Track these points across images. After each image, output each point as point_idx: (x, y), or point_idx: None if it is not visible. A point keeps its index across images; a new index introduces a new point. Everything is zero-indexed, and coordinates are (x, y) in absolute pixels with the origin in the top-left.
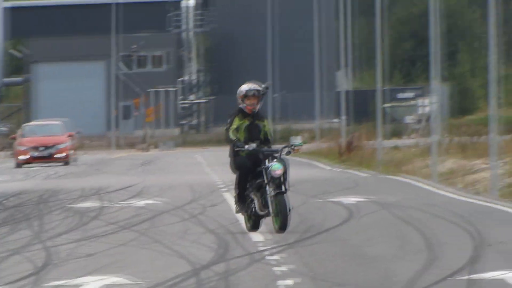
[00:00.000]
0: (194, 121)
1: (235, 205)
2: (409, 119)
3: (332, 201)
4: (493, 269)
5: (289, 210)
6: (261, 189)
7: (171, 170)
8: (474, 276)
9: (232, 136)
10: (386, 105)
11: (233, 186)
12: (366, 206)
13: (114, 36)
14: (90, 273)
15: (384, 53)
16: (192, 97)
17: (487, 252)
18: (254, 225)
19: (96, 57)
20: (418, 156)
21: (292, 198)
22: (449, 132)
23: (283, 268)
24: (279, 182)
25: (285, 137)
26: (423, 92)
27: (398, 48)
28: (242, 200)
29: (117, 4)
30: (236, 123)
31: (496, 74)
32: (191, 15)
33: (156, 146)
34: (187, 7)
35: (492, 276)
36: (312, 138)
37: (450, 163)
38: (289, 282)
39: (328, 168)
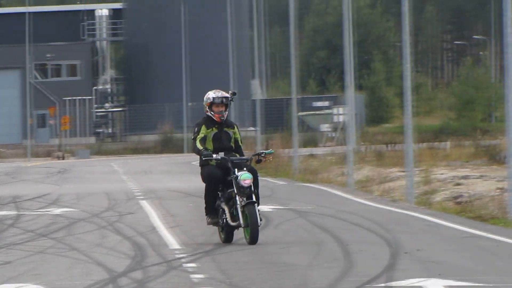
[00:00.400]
0: (110, 130)
1: (206, 217)
2: (324, 127)
3: None
4: (410, 276)
5: (260, 221)
6: (231, 200)
7: (87, 178)
8: (392, 283)
9: (199, 145)
10: (302, 113)
11: (151, 195)
12: (283, 214)
13: (28, 45)
14: (7, 281)
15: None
16: (107, 105)
17: (404, 260)
18: (227, 237)
19: (11, 66)
20: (334, 164)
21: None
22: (365, 140)
23: (201, 276)
24: (249, 192)
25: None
26: (338, 101)
27: (313, 57)
28: (213, 211)
29: (31, 13)
30: (203, 132)
31: (410, 83)
32: (104, 24)
33: (72, 155)
34: (101, 16)
35: (410, 283)
36: None
37: (366, 171)
38: None
39: None
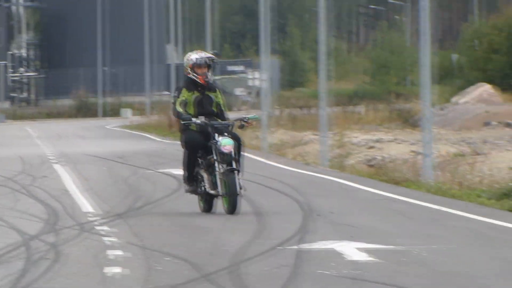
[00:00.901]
0: (25, 95)
1: (184, 185)
2: (239, 91)
3: (161, 172)
4: (323, 238)
5: (240, 190)
6: (211, 167)
7: (1, 143)
8: (303, 245)
9: (178, 108)
10: (217, 77)
11: (65, 159)
12: None
13: None
14: None
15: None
16: (22, 70)
17: (316, 222)
18: (207, 206)
19: None
20: (249, 129)
21: (122, 170)
22: (279, 104)
23: (113, 239)
24: (229, 159)
25: (115, 109)
26: (253, 65)
27: (228, 21)
28: (191, 178)
29: None
30: (184, 95)
31: (326, 47)
32: None
33: None
34: None
35: (322, 246)
36: (142, 111)
37: (280, 135)
38: (119, 252)
39: (158, 139)
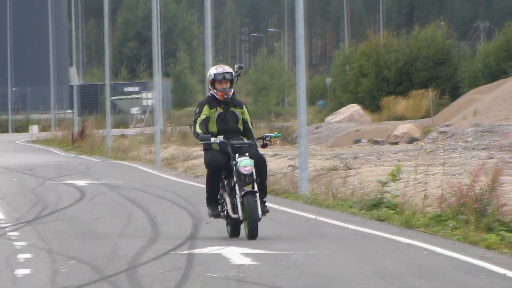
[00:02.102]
0: None
1: (207, 208)
2: (134, 110)
3: (66, 183)
4: (211, 245)
5: (261, 214)
6: (233, 189)
7: None
8: (194, 251)
9: (197, 128)
10: (114, 98)
11: None
12: (97, 188)
13: None
14: None
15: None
16: None
17: (205, 230)
18: (233, 231)
19: None
20: (143, 144)
21: (31, 181)
22: (171, 122)
23: (23, 243)
24: (250, 181)
25: (24, 126)
26: (147, 87)
27: (125, 47)
28: (214, 201)
29: None
30: (205, 112)
31: None
32: None
33: None
34: None
35: (210, 251)
36: (48, 127)
37: (171, 150)
38: (28, 255)
39: (63, 154)
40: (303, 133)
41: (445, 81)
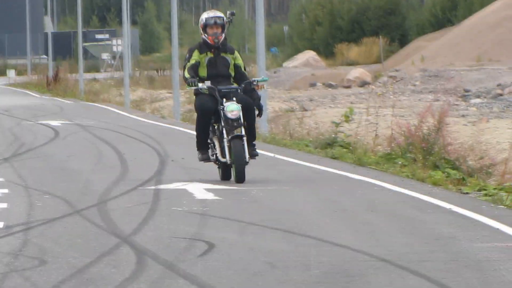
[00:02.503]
0: None
1: (197, 152)
2: (105, 56)
3: (41, 123)
4: (176, 180)
5: (249, 158)
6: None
7: None
8: (160, 186)
9: (186, 73)
10: (86, 44)
11: None
12: (70, 128)
13: None
14: None
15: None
16: None
17: (171, 166)
18: (224, 174)
19: None
20: (113, 87)
21: (8, 121)
22: (139, 67)
23: (0, 179)
24: (237, 125)
25: (2, 70)
26: (116, 34)
27: None
28: (204, 146)
29: None
30: (195, 57)
31: (177, 19)
32: None
33: None
34: None
35: (175, 186)
36: (24, 72)
37: (140, 93)
38: (6, 190)
39: (38, 96)
40: (263, 76)
41: (394, 29)
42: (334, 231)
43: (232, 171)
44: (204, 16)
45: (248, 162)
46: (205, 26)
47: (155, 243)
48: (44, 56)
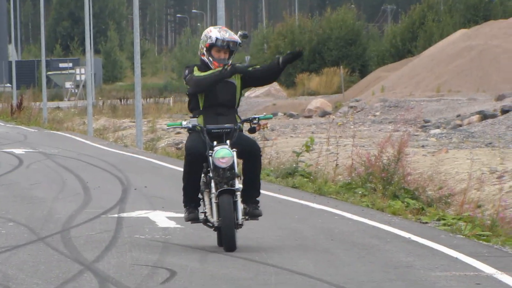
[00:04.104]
0: None
1: (184, 209)
2: (68, 84)
3: (5, 151)
4: (139, 208)
5: (242, 219)
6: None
7: None
8: (123, 214)
9: (201, 75)
10: (50, 73)
11: None
12: (33, 156)
13: None
14: None
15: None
16: None
17: (133, 195)
18: (220, 238)
19: None
20: (76, 116)
21: None
22: (102, 96)
23: None
24: (229, 176)
25: None
26: (80, 63)
27: (59, 25)
28: (193, 200)
29: None
30: (196, 73)
31: (139, 49)
32: None
33: None
34: None
35: (138, 214)
36: None
37: (103, 121)
38: None
39: (2, 124)
40: None
41: (355, 60)
42: (294, 259)
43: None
44: (215, 34)
45: (241, 225)
46: (211, 46)
47: (117, 270)
48: (8, 85)
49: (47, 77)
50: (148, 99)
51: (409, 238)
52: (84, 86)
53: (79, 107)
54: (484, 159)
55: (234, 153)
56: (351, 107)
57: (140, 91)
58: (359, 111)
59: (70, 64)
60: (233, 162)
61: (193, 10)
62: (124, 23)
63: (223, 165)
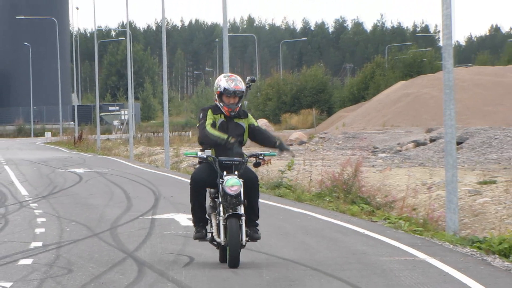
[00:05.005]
0: None
1: (194, 229)
2: (115, 122)
3: (70, 171)
4: (167, 212)
5: (246, 240)
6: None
7: None
8: (155, 216)
9: (211, 131)
10: (102, 114)
11: (9, 162)
12: (90, 174)
13: None
14: None
15: (100, 83)
16: None
17: (163, 202)
18: (222, 255)
19: None
20: (121, 145)
21: (45, 169)
22: (140, 130)
23: (40, 211)
24: (236, 202)
25: (41, 132)
26: (124, 106)
27: (109, 80)
28: (201, 221)
29: None
30: (210, 117)
31: (167, 96)
32: None
33: None
34: None
35: (166, 216)
36: (57, 133)
37: (140, 149)
38: (44, 219)
39: (67, 151)
40: None
41: (323, 103)
42: (280, 248)
43: (227, 253)
44: (223, 84)
45: (244, 245)
46: (221, 94)
47: (151, 257)
48: (72, 123)
49: (100, 117)
50: (173, 133)
51: (364, 232)
52: (127, 123)
53: (123, 139)
54: (417, 175)
55: (242, 183)
56: (321, 137)
57: (168, 127)
58: (327, 140)
59: (117, 108)
60: (241, 191)
61: (206, 68)
62: (156, 78)
63: (232, 193)
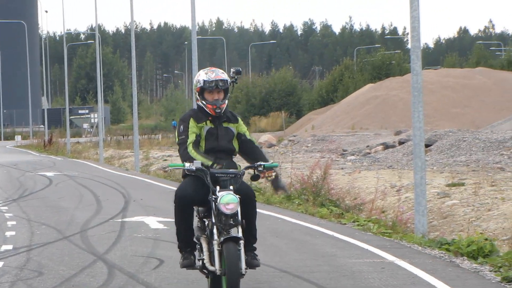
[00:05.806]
0: None
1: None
2: (85, 125)
3: (40, 174)
4: (136, 215)
5: (245, 268)
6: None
7: None
8: (125, 219)
9: (193, 154)
10: (72, 117)
11: None
12: (60, 177)
13: None
14: None
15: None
16: None
17: (132, 205)
18: (213, 286)
19: None
20: (91, 148)
21: (15, 172)
22: (110, 133)
23: (10, 214)
24: (233, 223)
25: (11, 136)
26: (93, 110)
27: (78, 83)
28: (187, 245)
29: None
30: (192, 129)
31: (136, 99)
32: None
33: None
34: None
35: (136, 219)
36: (27, 137)
37: (110, 152)
38: (14, 222)
39: (37, 154)
40: None
41: (292, 106)
42: None
43: (222, 283)
44: (202, 77)
45: (244, 275)
46: (202, 90)
47: (121, 260)
48: (42, 126)
49: (70, 120)
50: (143, 136)
51: (333, 235)
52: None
53: (93, 142)
54: (386, 177)
55: (238, 200)
56: (290, 140)
57: (137, 130)
58: (296, 143)
59: (87, 111)
60: (238, 209)
61: (175, 71)
62: (125, 81)
63: (228, 212)
